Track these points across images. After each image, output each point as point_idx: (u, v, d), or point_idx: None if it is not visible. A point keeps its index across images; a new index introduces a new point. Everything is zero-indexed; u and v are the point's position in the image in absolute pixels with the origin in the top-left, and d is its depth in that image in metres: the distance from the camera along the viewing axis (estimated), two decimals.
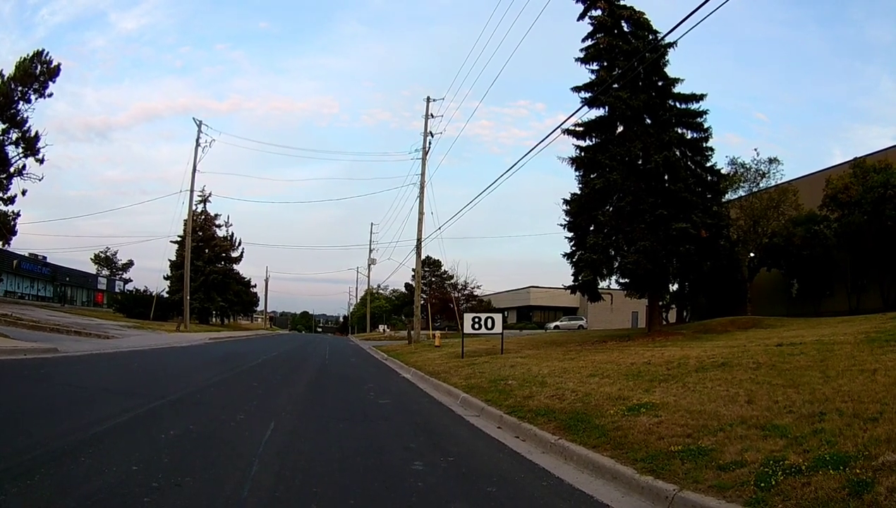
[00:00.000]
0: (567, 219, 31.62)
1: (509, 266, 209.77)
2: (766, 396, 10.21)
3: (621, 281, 32.00)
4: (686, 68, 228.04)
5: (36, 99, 41.16)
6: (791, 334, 20.75)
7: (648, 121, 29.95)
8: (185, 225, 70.41)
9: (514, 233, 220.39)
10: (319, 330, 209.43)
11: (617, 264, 30.10)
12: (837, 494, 5.87)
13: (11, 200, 40.73)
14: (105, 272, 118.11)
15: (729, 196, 37.36)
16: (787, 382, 11.05)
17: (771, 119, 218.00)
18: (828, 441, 7.24)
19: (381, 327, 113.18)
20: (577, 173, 31.39)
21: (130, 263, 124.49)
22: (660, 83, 30.57)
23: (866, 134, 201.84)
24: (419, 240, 52.54)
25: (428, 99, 52.26)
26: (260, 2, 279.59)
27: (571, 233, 31.72)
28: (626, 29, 30.91)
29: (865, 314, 28.76)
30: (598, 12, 30.64)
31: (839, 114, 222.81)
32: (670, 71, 30.76)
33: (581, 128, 30.88)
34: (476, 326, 27.44)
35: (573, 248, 31.66)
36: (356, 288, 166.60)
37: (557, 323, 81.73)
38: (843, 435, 7.35)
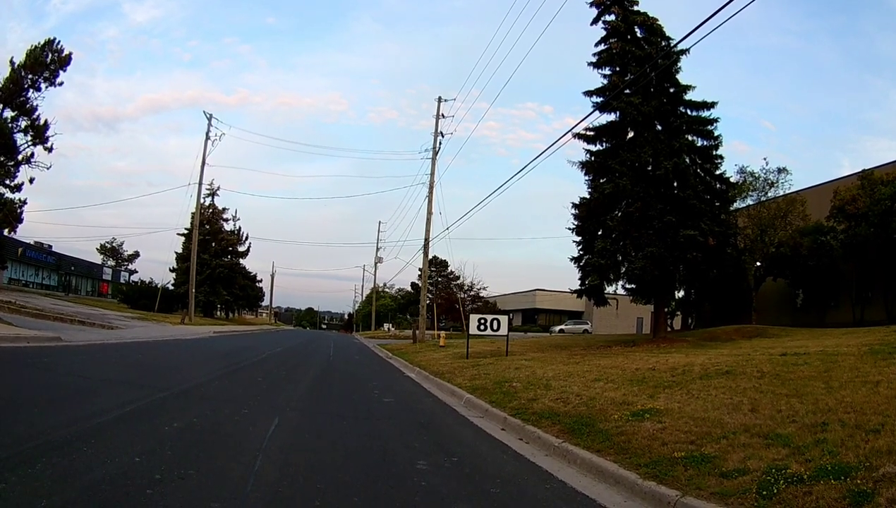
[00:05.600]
0: (575, 222, 31.67)
1: (516, 268, 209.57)
2: (769, 405, 10.22)
3: (628, 286, 32.06)
4: (697, 75, 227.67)
5: (46, 87, 41.24)
6: (795, 344, 20.74)
7: (659, 127, 29.99)
8: (192, 218, 70.47)
9: (522, 235, 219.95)
10: (324, 326, 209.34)
11: (624, 269, 30.13)
12: (838, 504, 5.92)
13: (18, 188, 40.76)
14: (110, 262, 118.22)
15: (737, 204, 37.27)
16: (790, 392, 11.06)
17: (779, 128, 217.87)
18: (830, 452, 7.26)
19: (385, 325, 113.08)
20: (586, 177, 31.50)
21: (136, 254, 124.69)
22: (671, 89, 30.60)
23: (875, 146, 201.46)
24: (427, 240, 52.45)
25: (439, 99, 52.23)
26: None
27: (579, 237, 31.78)
28: (639, 34, 30.95)
29: (869, 326, 28.71)
30: (612, 17, 30.76)
31: (848, 125, 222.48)
32: (682, 78, 30.95)
33: (592, 133, 30.92)
34: (482, 327, 27.50)
35: (581, 252, 31.70)
36: (362, 286, 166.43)
37: (562, 326, 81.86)
38: (845, 446, 7.38)
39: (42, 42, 41.12)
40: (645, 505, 7.26)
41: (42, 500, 5.73)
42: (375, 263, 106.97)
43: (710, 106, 30.47)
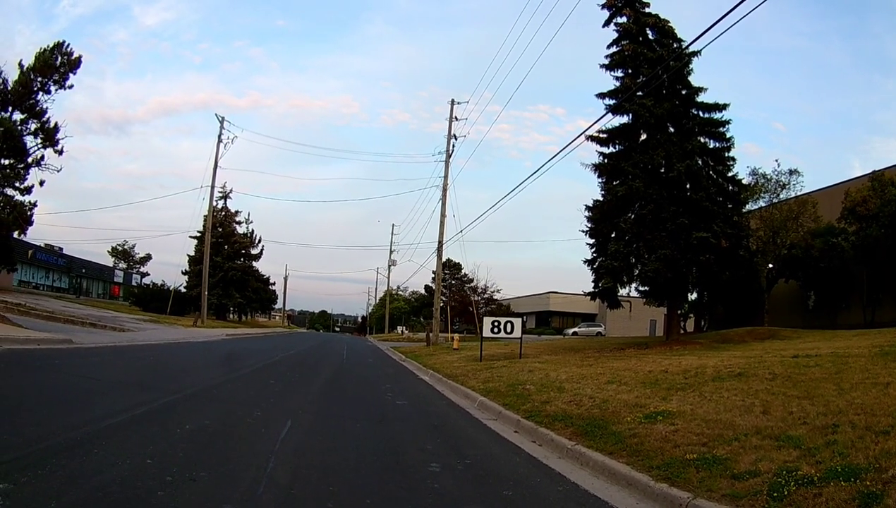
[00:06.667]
0: (589, 225, 31.61)
1: (529, 271, 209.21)
2: (781, 407, 10.23)
3: (641, 288, 31.98)
4: (709, 77, 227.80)
5: (56, 90, 40.99)
6: (807, 346, 20.72)
7: (671, 129, 29.92)
8: (205, 220, 70.51)
9: (535, 237, 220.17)
10: (337, 329, 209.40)
11: (637, 271, 30.05)
12: (848, 505, 5.94)
13: (28, 190, 40.50)
14: (122, 265, 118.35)
15: (749, 206, 37.18)
16: (801, 394, 11.07)
17: (790, 130, 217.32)
18: (840, 453, 7.28)
19: (399, 328, 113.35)
20: (599, 180, 31.44)
21: (148, 257, 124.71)
22: (683, 91, 30.56)
23: (885, 147, 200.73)
24: (440, 243, 52.57)
25: (452, 101, 52.32)
26: (280, 0, 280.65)
27: (593, 240, 31.73)
28: (651, 36, 30.92)
29: (880, 327, 28.66)
30: (624, 19, 30.71)
31: (859, 126, 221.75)
32: (694, 79, 30.88)
33: (605, 135, 30.88)
34: (495, 330, 27.48)
35: (594, 255, 31.67)
36: (375, 289, 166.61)
37: (576, 328, 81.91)
38: (856, 448, 7.40)
39: (51, 44, 40.92)
40: (657, 507, 7.27)
41: (52, 501, 5.76)
42: (389, 266, 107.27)
43: (721, 107, 30.42)
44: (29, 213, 40.70)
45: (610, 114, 29.75)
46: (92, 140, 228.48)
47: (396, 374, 25.82)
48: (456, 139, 52.65)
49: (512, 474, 8.60)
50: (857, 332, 26.09)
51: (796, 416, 9.48)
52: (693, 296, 42.65)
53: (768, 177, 39.30)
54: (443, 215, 52.02)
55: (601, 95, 30.97)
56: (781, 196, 39.22)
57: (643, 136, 30.26)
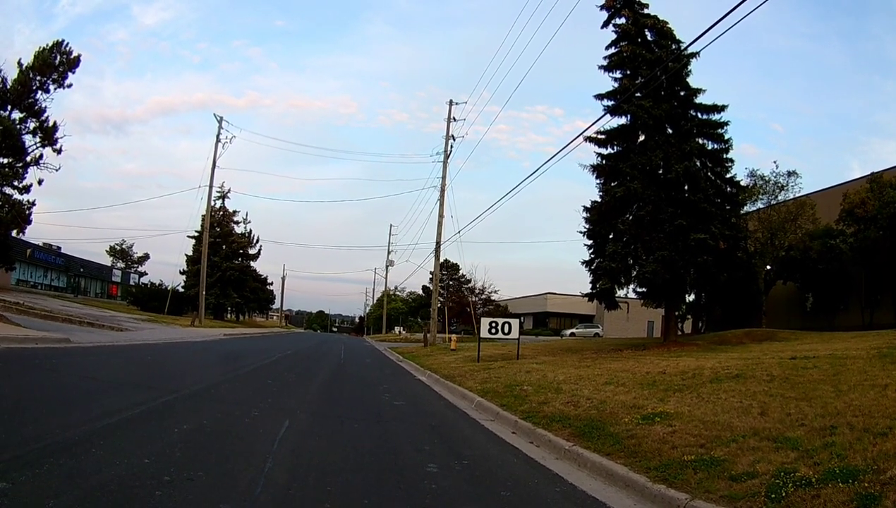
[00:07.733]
0: (587, 226, 31.59)
1: (527, 271, 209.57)
2: (778, 409, 10.23)
3: (639, 290, 31.91)
4: (707, 78, 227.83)
5: (54, 89, 40.89)
6: (805, 348, 20.68)
7: (670, 130, 29.88)
8: (203, 220, 70.50)
9: (533, 238, 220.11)
10: (335, 329, 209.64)
11: (635, 273, 30.00)
12: (846, 507, 5.94)
13: (27, 189, 40.42)
14: (120, 264, 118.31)
15: (747, 208, 37.13)
16: (799, 395, 11.08)
17: (789, 131, 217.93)
18: (838, 455, 7.28)
19: (397, 329, 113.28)
20: (597, 181, 31.37)
21: (146, 257, 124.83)
22: (682, 93, 30.50)
23: (884, 148, 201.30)
24: (438, 244, 52.46)
25: (451, 102, 52.25)
26: (279, 0, 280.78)
27: (591, 241, 31.69)
28: (649, 38, 30.88)
29: (879, 329, 28.62)
30: (623, 20, 30.63)
31: (858, 128, 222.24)
32: (692, 81, 30.75)
33: (603, 136, 30.80)
34: (493, 331, 27.49)
35: (592, 256, 31.63)
36: (373, 289, 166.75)
37: (573, 330, 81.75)
38: (854, 449, 7.40)
39: (50, 44, 40.82)
40: None
41: (50, 500, 5.75)
42: (387, 266, 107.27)
43: (720, 109, 30.37)
44: (27, 212, 40.61)
45: (608, 116, 29.72)
46: (91, 139, 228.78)
47: (394, 374, 25.82)
48: (454, 140, 52.66)
49: (509, 475, 8.60)
50: (856, 334, 26.08)
51: (794, 418, 9.49)
52: (691, 298, 42.64)
53: (766, 178, 39.30)
54: (440, 215, 52.00)
55: (599, 96, 30.95)
56: (780, 197, 39.19)
57: (641, 138, 30.22)
